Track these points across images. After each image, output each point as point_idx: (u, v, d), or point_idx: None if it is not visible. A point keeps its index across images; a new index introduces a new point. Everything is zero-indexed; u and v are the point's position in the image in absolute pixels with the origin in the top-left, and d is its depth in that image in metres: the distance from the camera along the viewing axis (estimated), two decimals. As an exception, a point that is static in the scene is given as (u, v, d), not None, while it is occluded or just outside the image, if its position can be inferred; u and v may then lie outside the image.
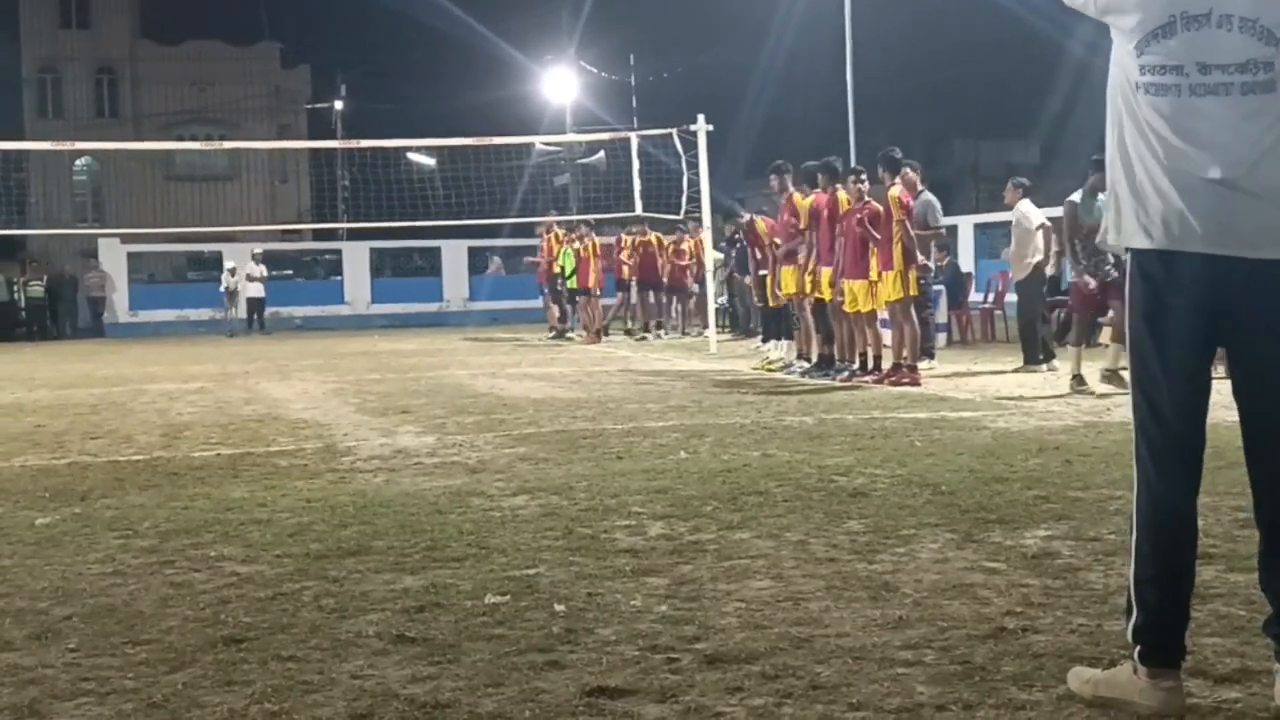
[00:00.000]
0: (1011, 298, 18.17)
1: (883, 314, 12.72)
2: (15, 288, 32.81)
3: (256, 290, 30.83)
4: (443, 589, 4.57)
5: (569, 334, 23.61)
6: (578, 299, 23.42)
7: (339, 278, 35.40)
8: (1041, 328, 13.98)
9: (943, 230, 14.84)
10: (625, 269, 24.09)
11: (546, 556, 5.06)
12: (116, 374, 16.51)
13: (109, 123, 54.76)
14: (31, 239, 42.64)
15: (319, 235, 46.60)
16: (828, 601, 4.30)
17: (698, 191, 20.01)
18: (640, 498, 6.29)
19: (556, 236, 24.18)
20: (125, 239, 35.21)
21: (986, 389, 11.67)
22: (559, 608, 4.28)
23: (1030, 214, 13.73)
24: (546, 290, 24.77)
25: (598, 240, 23.10)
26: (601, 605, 4.32)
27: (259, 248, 32.47)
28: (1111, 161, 3.31)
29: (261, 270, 31.06)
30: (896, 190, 12.14)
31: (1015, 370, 13.39)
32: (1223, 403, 3.36)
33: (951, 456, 7.39)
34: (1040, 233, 13.56)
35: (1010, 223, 14.55)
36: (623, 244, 23.95)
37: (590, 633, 4.01)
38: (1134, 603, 3.26)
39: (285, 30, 60.27)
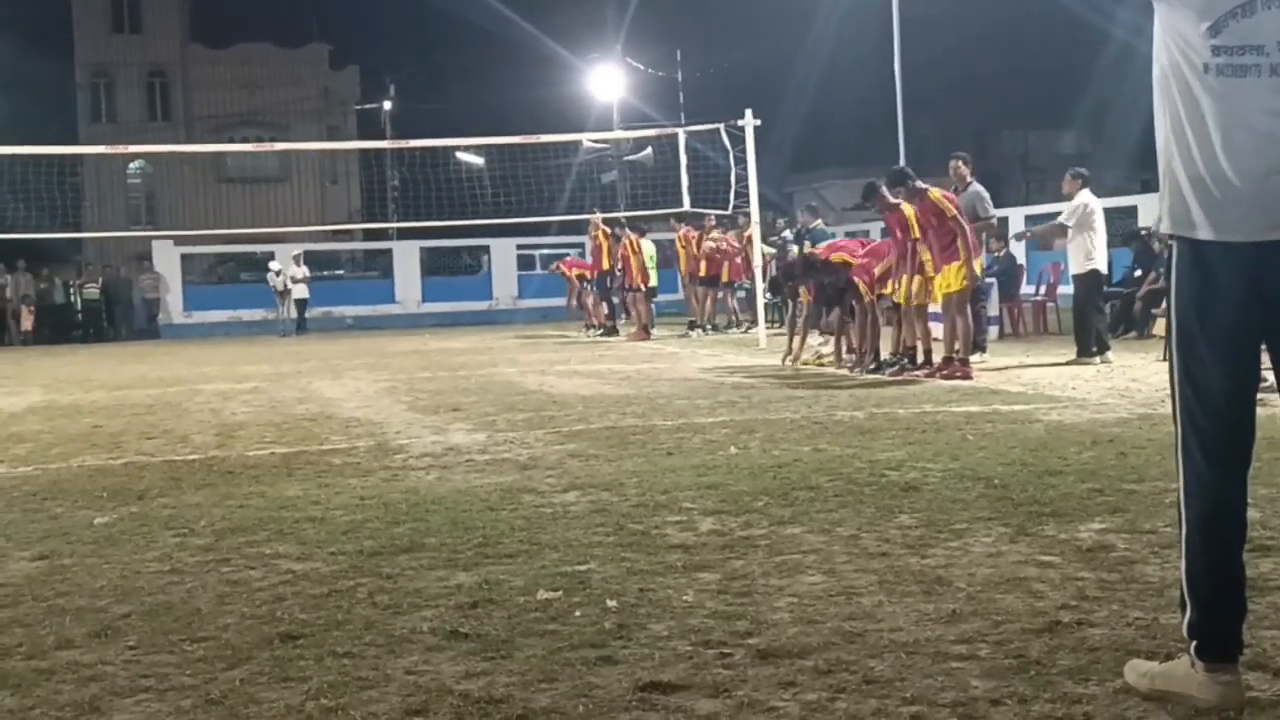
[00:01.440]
0: (1064, 289, 18.05)
1: (933, 308, 12.66)
2: (71, 290, 33.24)
3: (301, 291, 31.07)
4: (495, 585, 4.59)
5: (617, 331, 23.67)
6: (627, 296, 23.47)
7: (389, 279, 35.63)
8: (1097, 319, 13.84)
9: (994, 220, 14.74)
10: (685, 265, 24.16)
11: (598, 552, 5.07)
12: (171, 374, 16.69)
13: (161, 126, 55.35)
14: (86, 242, 43.18)
15: (369, 235, 46.86)
16: (880, 596, 4.29)
17: (746, 186, 19.99)
18: (691, 493, 6.29)
19: (604, 233, 24.24)
20: (178, 241, 35.57)
21: (1039, 382, 11.58)
22: (611, 603, 4.29)
23: (1090, 205, 13.56)
24: (595, 287, 24.82)
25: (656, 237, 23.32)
26: (653, 601, 4.33)
27: (298, 249, 32.64)
28: (1165, 147, 3.22)
29: (303, 271, 31.25)
30: (937, 192, 12.29)
31: (1068, 363, 13.28)
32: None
33: (1004, 450, 7.35)
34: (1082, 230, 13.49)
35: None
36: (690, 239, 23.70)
37: (642, 628, 4.01)
38: (1188, 597, 3.23)
39: (334, 32, 60.82)
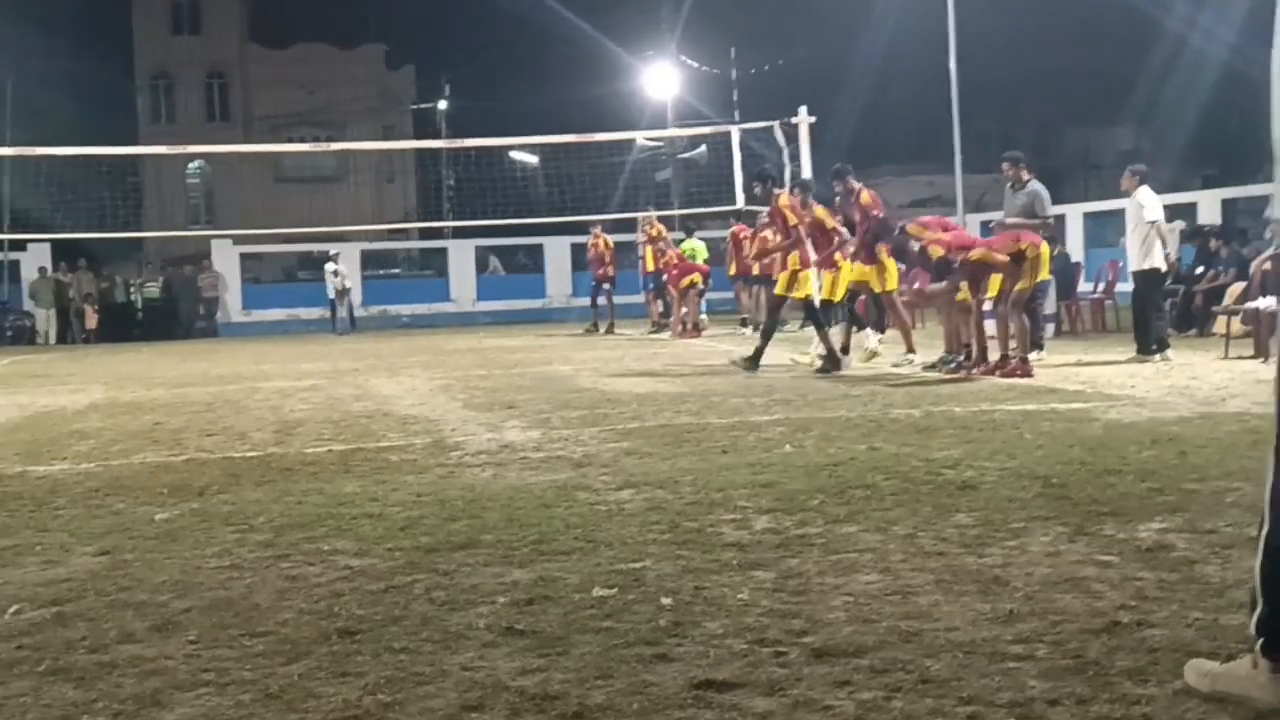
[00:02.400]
0: (1122, 287, 17.88)
1: (986, 305, 12.58)
2: (132, 289, 33.69)
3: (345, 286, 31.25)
4: (551, 582, 4.61)
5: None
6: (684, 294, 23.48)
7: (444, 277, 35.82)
8: (1156, 317, 13.69)
9: (1050, 219, 14.61)
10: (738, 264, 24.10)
11: (653, 550, 5.08)
12: (231, 372, 16.86)
13: (220, 126, 56.01)
14: (147, 242, 43.74)
15: (424, 234, 47.14)
16: (937, 595, 4.27)
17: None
18: (746, 492, 6.29)
19: (658, 232, 24.29)
20: (237, 240, 35.93)
21: (1097, 380, 11.47)
22: (666, 601, 4.29)
23: (1148, 203, 13.42)
24: (651, 285, 24.87)
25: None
26: (708, 599, 4.33)
27: (335, 248, 32.65)
28: None
29: (342, 269, 31.17)
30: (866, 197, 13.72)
31: (1127, 360, 13.15)
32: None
33: (1062, 449, 7.29)
34: (1153, 227, 13.32)
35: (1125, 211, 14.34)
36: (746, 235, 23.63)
37: (697, 626, 4.01)
38: (1260, 594, 3.18)
39: (390, 32, 61.21)
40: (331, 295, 30.65)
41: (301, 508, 6.30)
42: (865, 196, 14.03)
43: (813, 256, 13.61)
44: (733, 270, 24.08)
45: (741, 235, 23.95)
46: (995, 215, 16.59)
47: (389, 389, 13.27)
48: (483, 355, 18.83)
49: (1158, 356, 13.04)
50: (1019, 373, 11.71)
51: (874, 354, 14.54)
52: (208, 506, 6.46)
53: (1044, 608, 4.06)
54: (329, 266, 31.00)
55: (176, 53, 57.73)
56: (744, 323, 23.15)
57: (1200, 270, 18.57)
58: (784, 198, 13.80)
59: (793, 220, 13.53)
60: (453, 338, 25.27)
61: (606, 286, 25.28)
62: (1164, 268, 13.70)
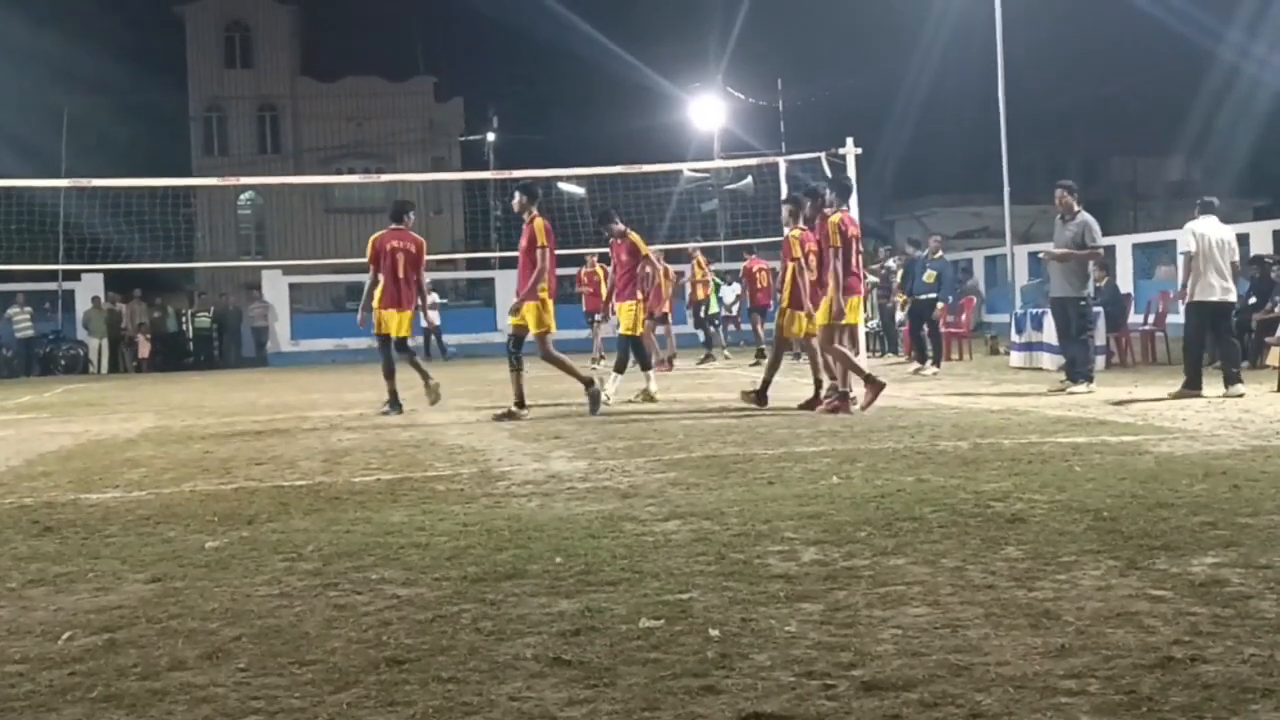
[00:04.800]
0: (1174, 319, 17.73)
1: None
2: (184, 319, 34.06)
3: (434, 318, 31.49)
4: (598, 613, 4.61)
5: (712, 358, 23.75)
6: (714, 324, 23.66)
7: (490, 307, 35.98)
8: (1219, 351, 13.52)
9: (1100, 250, 14.53)
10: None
11: (700, 581, 5.06)
12: (279, 401, 16.99)
13: (271, 158, 56.64)
14: (199, 272, 44.25)
15: (472, 264, 47.41)
16: (986, 629, 4.23)
17: (847, 215, 19.88)
18: (792, 523, 6.26)
19: (699, 263, 24.36)
20: (287, 270, 36.26)
21: (1148, 412, 11.36)
22: (714, 632, 4.28)
23: (1199, 231, 13.19)
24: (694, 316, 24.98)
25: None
26: (756, 630, 4.31)
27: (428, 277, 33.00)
28: None
29: (434, 298, 31.46)
30: (835, 219, 12.59)
31: (1176, 395, 12.96)
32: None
33: (1113, 481, 7.22)
34: (1184, 260, 13.19)
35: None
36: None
37: (745, 658, 4.00)
38: None
39: (439, 65, 61.76)
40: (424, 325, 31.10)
41: (350, 536, 6.33)
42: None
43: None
44: (750, 303, 24.27)
45: (755, 268, 24.08)
46: (1045, 246, 16.53)
47: (435, 418, 13.32)
48: (528, 384, 18.83)
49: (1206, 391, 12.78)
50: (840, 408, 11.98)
51: (650, 397, 14.35)
52: (257, 535, 6.50)
53: (1096, 642, 4.02)
54: None
55: (229, 86, 58.52)
56: (760, 354, 23.19)
57: (1253, 300, 18.36)
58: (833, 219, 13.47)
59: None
60: (499, 367, 25.28)
61: (598, 318, 24.99)
62: (1213, 299, 13.35)
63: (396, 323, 13.77)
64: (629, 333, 14.71)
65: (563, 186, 36.35)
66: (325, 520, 6.87)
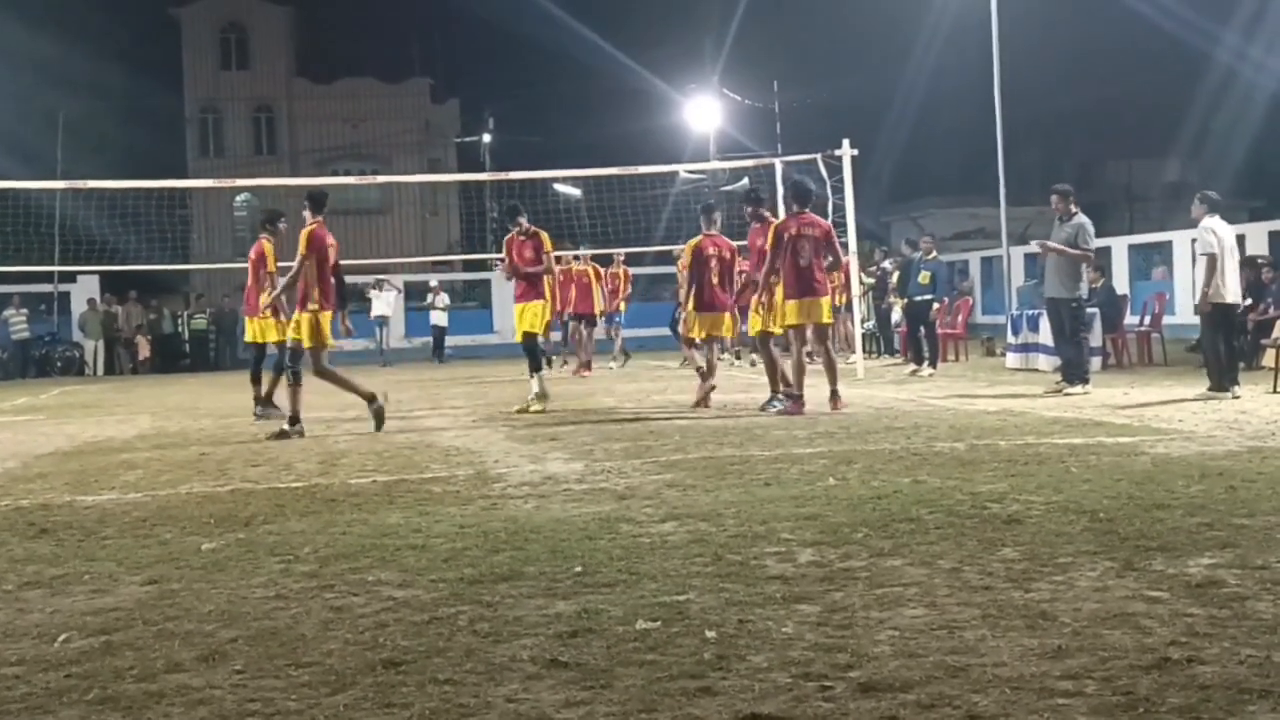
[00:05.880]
0: (1169, 320, 17.72)
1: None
2: (179, 321, 34.03)
3: (440, 319, 32.15)
4: (594, 614, 4.60)
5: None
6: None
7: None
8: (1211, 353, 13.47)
9: (1091, 253, 14.51)
10: None
11: (696, 583, 5.06)
12: (275, 403, 16.92)
13: (267, 160, 56.54)
14: (195, 273, 44.20)
15: (468, 266, 47.41)
16: (983, 630, 4.23)
17: (843, 216, 19.90)
18: (789, 524, 6.26)
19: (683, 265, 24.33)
20: (283, 272, 36.21)
21: (1144, 414, 11.37)
22: (710, 634, 4.28)
23: (1219, 231, 13.00)
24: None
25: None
26: (753, 632, 4.31)
27: (434, 279, 33.44)
28: None
29: (444, 299, 32.26)
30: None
31: (1200, 396, 12.78)
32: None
33: (1109, 482, 7.22)
34: (1207, 260, 12.89)
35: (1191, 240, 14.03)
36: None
37: (742, 659, 4.00)
38: None
39: (435, 67, 61.62)
40: (434, 323, 31.79)
41: (346, 538, 6.33)
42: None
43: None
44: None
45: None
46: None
47: (432, 420, 13.32)
48: (526, 386, 18.82)
49: (1229, 393, 12.63)
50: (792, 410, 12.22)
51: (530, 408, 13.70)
52: (253, 537, 6.50)
53: (1092, 643, 4.02)
54: (372, 293, 31.16)
55: (225, 87, 58.44)
56: (737, 355, 23.21)
57: (1248, 302, 18.36)
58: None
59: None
60: (496, 368, 25.32)
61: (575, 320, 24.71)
62: (1228, 299, 13.14)
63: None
64: (531, 330, 14.25)
65: (559, 188, 36.39)
66: (322, 522, 6.86)
